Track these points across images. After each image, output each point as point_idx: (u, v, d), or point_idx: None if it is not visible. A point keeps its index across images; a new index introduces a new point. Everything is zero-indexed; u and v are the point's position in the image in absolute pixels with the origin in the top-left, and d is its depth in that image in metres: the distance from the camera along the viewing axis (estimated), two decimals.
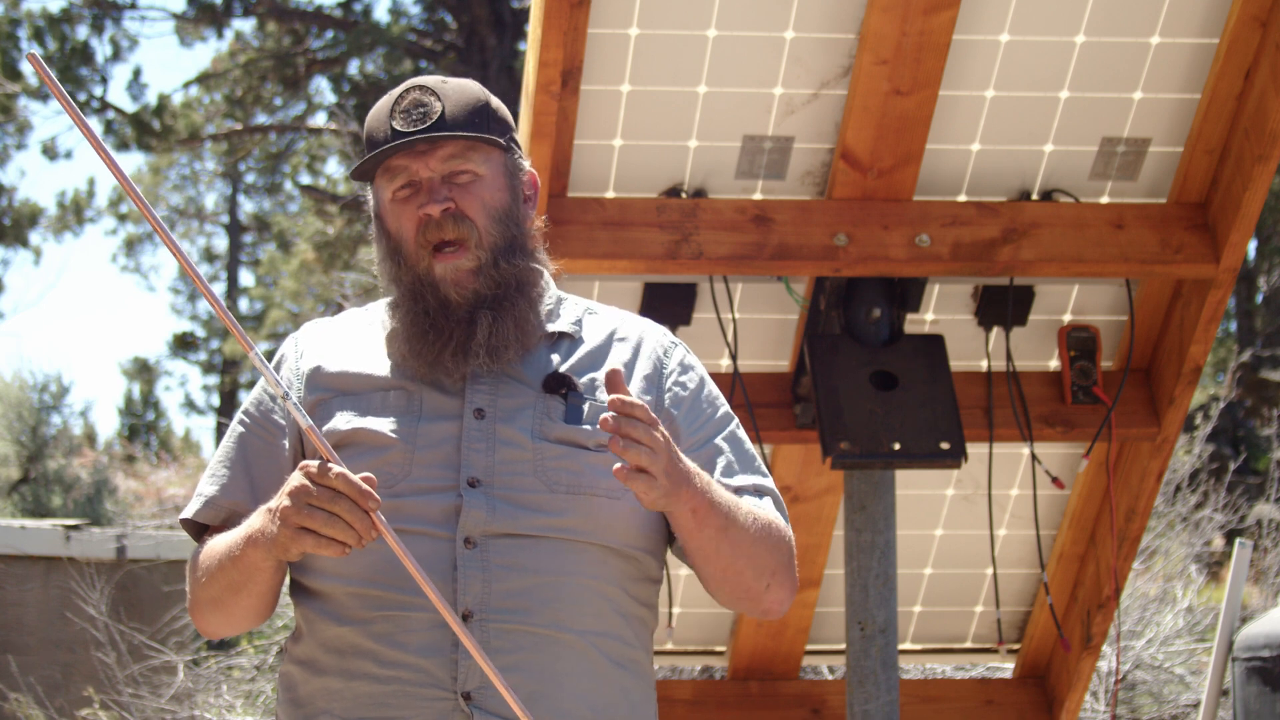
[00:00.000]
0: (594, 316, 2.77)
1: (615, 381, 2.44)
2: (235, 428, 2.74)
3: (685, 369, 2.74)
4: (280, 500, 2.45)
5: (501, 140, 2.69)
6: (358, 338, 2.74)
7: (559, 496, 2.58)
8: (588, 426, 2.62)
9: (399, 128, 2.64)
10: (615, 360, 2.71)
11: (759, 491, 2.69)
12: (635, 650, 2.66)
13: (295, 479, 2.43)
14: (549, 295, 2.74)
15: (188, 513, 2.71)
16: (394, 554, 2.50)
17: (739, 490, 2.67)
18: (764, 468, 2.74)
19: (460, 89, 2.68)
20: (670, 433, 2.66)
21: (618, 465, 2.40)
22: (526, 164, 2.76)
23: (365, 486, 2.41)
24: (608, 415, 2.39)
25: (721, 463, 2.68)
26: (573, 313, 2.75)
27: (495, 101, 2.72)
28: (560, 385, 2.64)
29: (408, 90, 2.67)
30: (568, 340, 2.71)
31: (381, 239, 2.70)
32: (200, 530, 2.72)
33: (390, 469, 2.57)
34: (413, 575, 2.43)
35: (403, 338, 2.65)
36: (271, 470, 2.67)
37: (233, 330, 2.40)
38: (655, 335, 2.77)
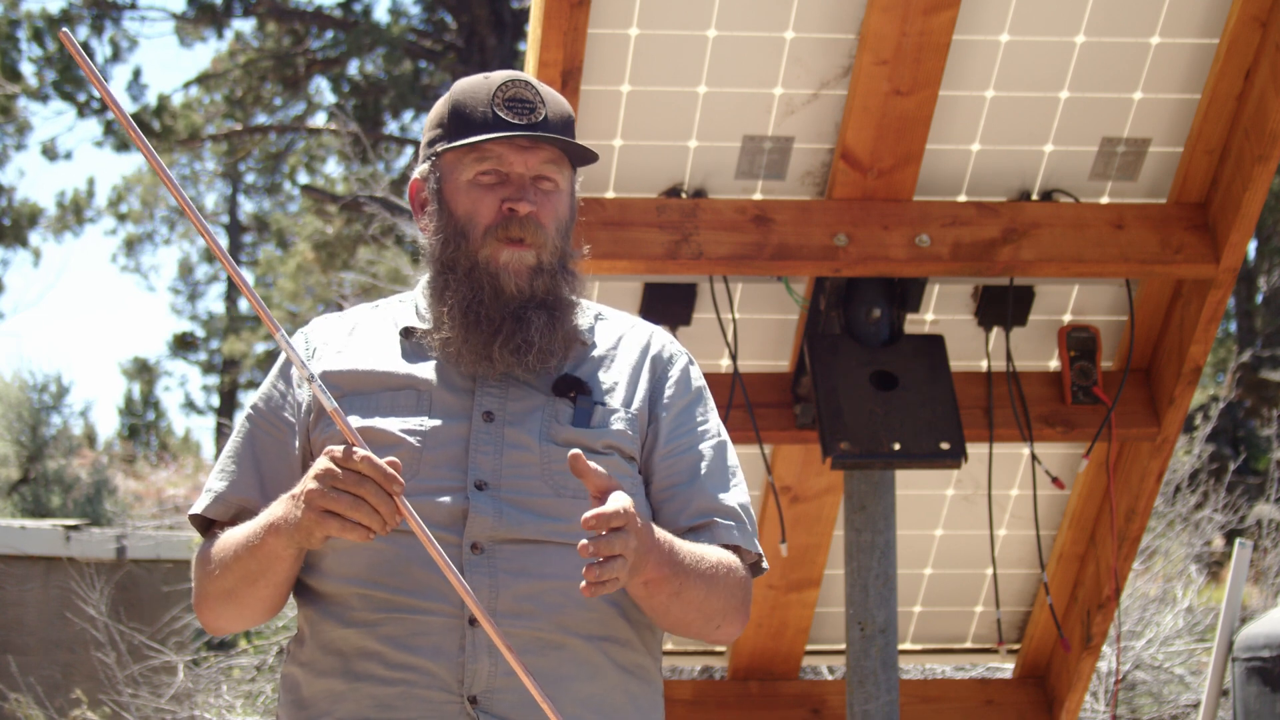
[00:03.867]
0: (604, 321, 2.78)
1: (578, 467, 2.42)
2: (244, 424, 2.73)
3: (686, 376, 2.76)
4: (305, 484, 2.45)
5: (595, 155, 2.72)
6: (368, 335, 2.73)
7: (565, 501, 2.58)
8: (596, 429, 2.62)
9: (505, 117, 2.64)
10: (622, 364, 2.71)
11: (726, 515, 2.68)
12: (642, 655, 2.66)
13: (321, 463, 2.43)
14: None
15: (197, 508, 2.71)
16: (401, 554, 2.51)
17: (702, 523, 2.67)
18: (743, 486, 2.74)
19: (555, 98, 2.70)
20: (653, 434, 2.67)
21: (583, 584, 2.38)
22: (578, 183, 2.78)
23: (391, 470, 2.40)
24: (585, 544, 2.37)
25: (698, 472, 2.69)
26: (584, 318, 2.75)
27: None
28: (570, 388, 2.65)
29: (512, 82, 2.67)
30: (579, 345, 2.71)
31: (443, 217, 2.69)
32: (207, 526, 2.72)
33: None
34: (436, 562, 2.42)
35: (458, 324, 2.63)
36: (280, 467, 2.67)
37: (261, 314, 2.40)
38: (662, 340, 2.79)
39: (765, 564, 2.75)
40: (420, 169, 2.75)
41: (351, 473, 2.40)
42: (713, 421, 2.75)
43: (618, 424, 2.65)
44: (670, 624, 2.64)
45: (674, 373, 2.74)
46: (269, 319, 2.41)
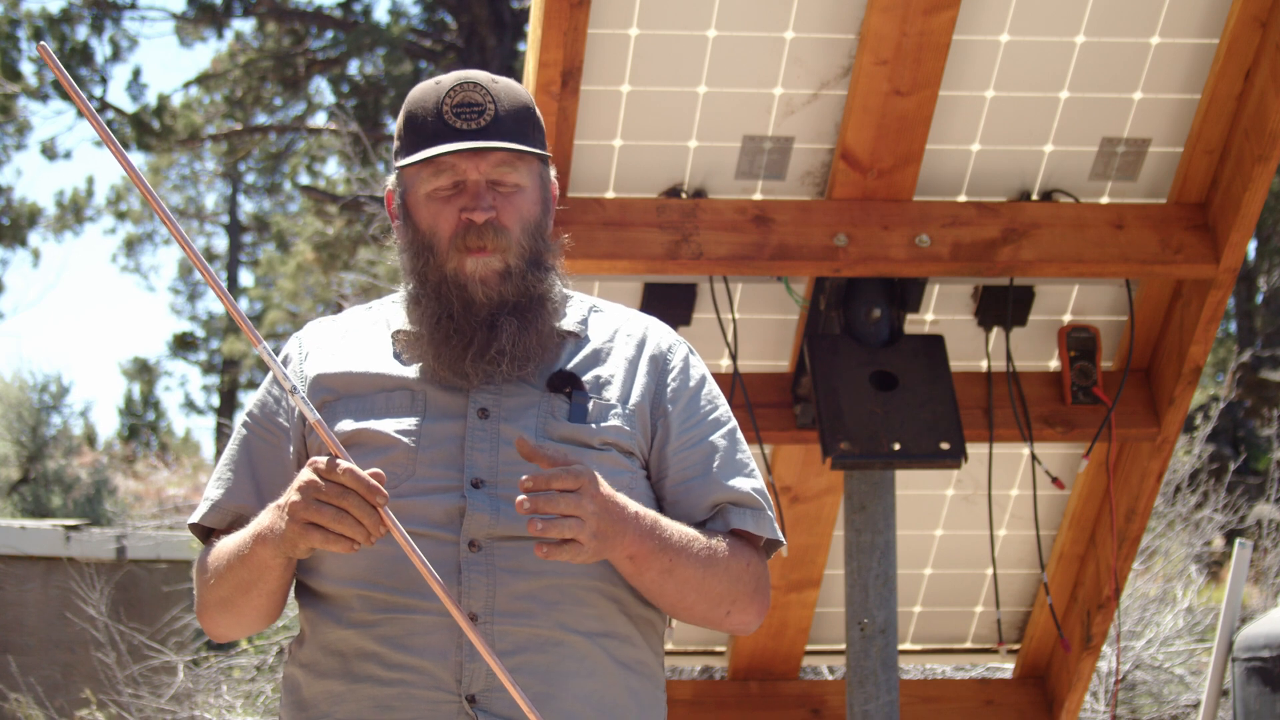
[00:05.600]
0: (599, 314, 2.77)
1: (525, 450, 2.45)
2: (239, 431, 2.74)
3: (687, 366, 2.74)
4: (289, 496, 2.45)
5: (547, 153, 2.70)
6: (361, 337, 2.73)
7: None
8: (593, 425, 2.62)
9: (453, 124, 2.62)
10: (618, 358, 2.70)
11: (741, 501, 2.68)
12: (642, 652, 2.67)
13: (304, 475, 2.44)
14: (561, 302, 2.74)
15: (195, 518, 2.72)
16: (399, 554, 2.51)
17: (714, 511, 2.67)
18: (755, 471, 2.73)
19: (510, 92, 2.67)
20: (662, 429, 2.66)
21: (538, 545, 2.41)
22: (552, 173, 2.76)
23: (373, 482, 2.41)
24: (523, 499, 2.40)
25: (712, 463, 2.68)
26: (578, 311, 2.75)
27: (536, 108, 2.71)
28: (565, 384, 2.64)
29: (461, 85, 2.65)
30: (573, 339, 2.71)
31: (410, 232, 2.68)
32: (208, 535, 2.73)
33: (394, 469, 2.57)
34: (421, 573, 2.43)
35: (427, 340, 2.64)
36: (276, 473, 2.68)
37: (241, 325, 2.40)
38: (659, 332, 2.77)
39: (784, 542, 2.75)
40: (389, 180, 2.75)
41: (334, 485, 2.41)
42: (720, 407, 2.74)
43: (615, 419, 2.64)
44: (671, 605, 2.64)
45: (675, 364, 2.73)
46: (250, 329, 2.41)
